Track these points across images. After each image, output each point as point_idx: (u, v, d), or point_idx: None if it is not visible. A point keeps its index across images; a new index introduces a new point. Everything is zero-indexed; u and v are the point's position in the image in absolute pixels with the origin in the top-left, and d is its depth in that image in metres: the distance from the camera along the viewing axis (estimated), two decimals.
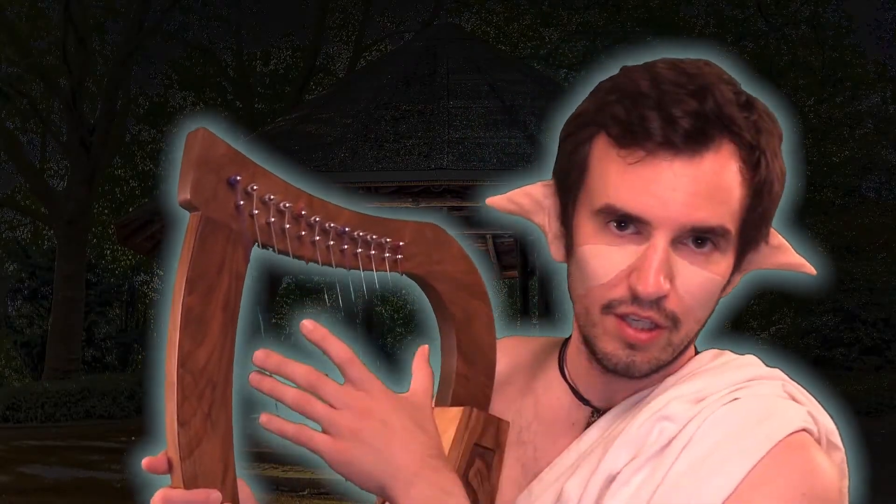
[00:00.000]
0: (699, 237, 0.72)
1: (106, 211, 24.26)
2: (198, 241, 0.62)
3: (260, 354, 0.67)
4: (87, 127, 18.83)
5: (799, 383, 0.79)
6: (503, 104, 10.00)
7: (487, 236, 11.59)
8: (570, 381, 0.84)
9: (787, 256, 0.81)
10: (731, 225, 0.72)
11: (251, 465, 9.17)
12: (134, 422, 14.99)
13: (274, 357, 0.67)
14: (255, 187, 0.65)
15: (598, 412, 0.82)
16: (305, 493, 8.39)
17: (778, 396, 0.75)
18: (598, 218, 0.74)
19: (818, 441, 0.74)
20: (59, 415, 15.12)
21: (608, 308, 0.74)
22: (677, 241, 0.71)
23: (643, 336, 0.73)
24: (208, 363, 0.62)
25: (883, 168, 23.83)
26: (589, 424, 0.82)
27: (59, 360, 17.74)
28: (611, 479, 0.74)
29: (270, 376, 0.67)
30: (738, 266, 0.77)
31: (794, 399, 0.76)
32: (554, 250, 0.82)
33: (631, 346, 0.74)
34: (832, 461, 0.73)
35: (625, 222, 0.72)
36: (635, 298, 0.72)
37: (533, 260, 11.73)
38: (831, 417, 0.76)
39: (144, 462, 0.64)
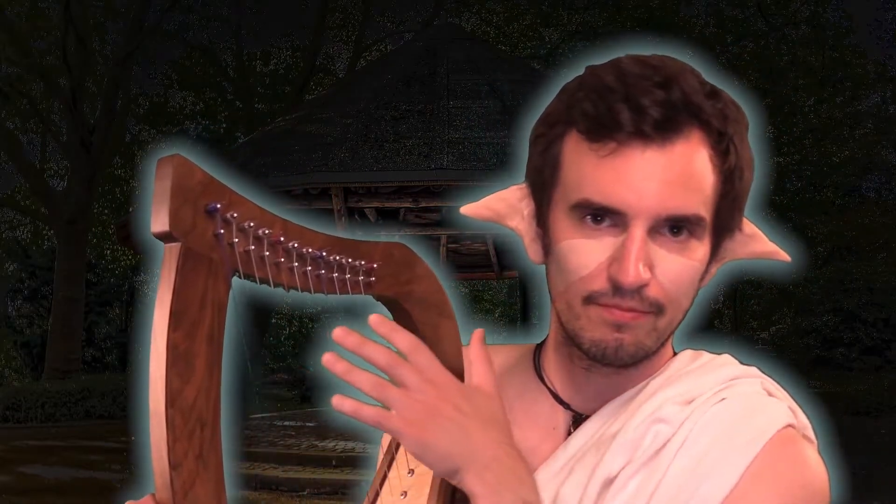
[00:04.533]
0: (675, 225, 0.72)
1: (106, 211, 24.24)
2: (179, 274, 0.60)
3: (339, 332, 0.66)
4: (87, 127, 18.84)
5: (774, 379, 0.80)
6: (503, 104, 10.00)
7: (488, 236, 11.60)
8: (548, 384, 0.84)
9: (761, 245, 0.81)
10: (706, 212, 0.73)
11: (252, 464, 9.17)
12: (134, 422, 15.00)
13: (353, 336, 0.66)
14: (234, 215, 0.63)
15: (579, 416, 0.82)
16: (305, 493, 8.39)
17: (759, 394, 0.77)
18: (574, 213, 0.74)
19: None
20: (59, 415, 15.13)
21: (589, 300, 0.74)
22: (654, 231, 0.72)
23: (628, 315, 0.73)
24: (196, 401, 0.60)
25: (883, 168, 23.85)
26: (573, 428, 0.81)
27: (59, 360, 17.75)
28: (608, 483, 0.74)
29: (343, 358, 0.66)
30: (714, 254, 0.78)
31: (772, 395, 0.77)
32: (532, 252, 0.82)
33: (618, 326, 0.74)
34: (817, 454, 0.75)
35: (601, 215, 0.73)
36: (617, 289, 0.72)
37: None
38: (804, 411, 0.78)
39: None
